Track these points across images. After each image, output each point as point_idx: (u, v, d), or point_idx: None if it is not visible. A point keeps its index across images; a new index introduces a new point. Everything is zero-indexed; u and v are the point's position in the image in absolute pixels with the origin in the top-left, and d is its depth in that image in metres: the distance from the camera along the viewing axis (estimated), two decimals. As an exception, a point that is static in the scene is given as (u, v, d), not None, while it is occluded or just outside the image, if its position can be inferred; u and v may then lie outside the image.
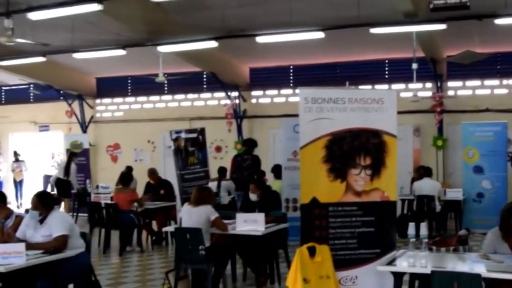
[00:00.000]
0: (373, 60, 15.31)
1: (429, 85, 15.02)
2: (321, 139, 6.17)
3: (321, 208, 6.15)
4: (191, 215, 7.15)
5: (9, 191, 18.53)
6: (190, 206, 7.28)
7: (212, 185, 12.00)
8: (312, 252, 5.76)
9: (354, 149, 6.20)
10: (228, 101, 16.63)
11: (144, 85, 17.34)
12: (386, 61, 15.41)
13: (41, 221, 6.01)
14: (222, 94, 16.76)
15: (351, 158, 6.20)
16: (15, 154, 18.63)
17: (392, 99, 6.40)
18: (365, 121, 6.24)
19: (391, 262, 5.30)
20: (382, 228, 6.25)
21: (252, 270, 7.86)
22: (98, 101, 19.06)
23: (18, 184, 18.77)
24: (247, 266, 8.05)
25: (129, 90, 18.54)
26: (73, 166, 14.88)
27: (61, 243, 5.86)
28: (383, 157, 6.24)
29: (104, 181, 16.09)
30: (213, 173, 12.66)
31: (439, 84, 14.80)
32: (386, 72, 15.51)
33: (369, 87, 14.55)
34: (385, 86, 15.11)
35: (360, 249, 6.20)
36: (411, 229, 5.35)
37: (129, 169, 13.47)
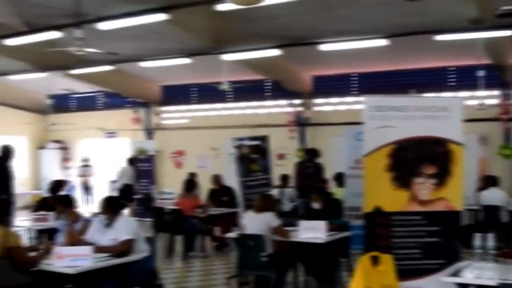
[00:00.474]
0: (438, 67, 15.05)
1: (495, 92, 14.64)
2: (385, 147, 6.13)
3: (384, 217, 6.10)
4: (253, 222, 7.19)
5: (78, 196, 19.10)
6: (253, 212, 7.33)
7: (275, 192, 12.03)
8: (375, 261, 5.71)
9: (418, 157, 6.12)
10: (291, 109, 16.66)
11: (208, 93, 17.56)
12: (451, 68, 15.12)
13: (108, 225, 6.16)
14: (285, 101, 16.81)
15: (416, 167, 6.12)
16: (84, 159, 19.08)
17: (458, 107, 6.30)
18: (430, 129, 6.15)
19: (456, 273, 5.20)
20: (447, 238, 6.14)
21: (314, 278, 7.84)
22: (163, 108, 19.41)
23: (86, 189, 19.12)
24: (309, 274, 8.03)
25: (194, 98, 18.80)
26: (131, 172, 15.22)
27: (127, 247, 5.99)
28: (449, 166, 6.14)
29: (169, 187, 16.36)
30: (276, 181, 12.70)
31: (505, 92, 14.40)
32: (451, 80, 15.21)
33: (433, 94, 14.30)
34: (449, 94, 14.81)
35: (424, 259, 6.10)
36: (477, 240, 5.24)
37: (192, 176, 13.65)
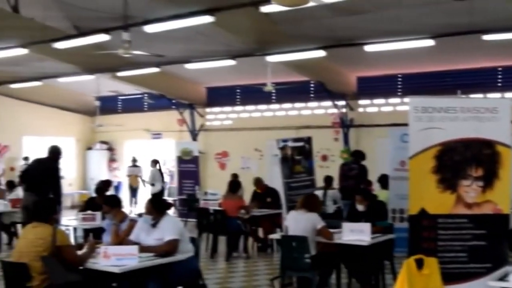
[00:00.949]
0: (485, 67, 14.75)
1: (546, 93, 14.28)
2: (431, 149, 6.06)
3: (430, 220, 6.03)
4: (297, 223, 7.19)
5: (124, 196, 19.40)
6: (296, 213, 7.32)
7: (318, 193, 11.99)
8: (419, 264, 5.64)
9: (465, 159, 6.04)
10: (335, 110, 16.59)
11: (253, 94, 17.62)
12: (499, 68, 14.80)
13: (154, 225, 6.25)
14: (329, 103, 16.74)
15: (462, 169, 6.04)
16: (133, 160, 19.30)
17: (506, 108, 6.18)
18: (477, 131, 6.06)
19: (503, 278, 5.10)
20: (494, 241, 6.03)
21: (357, 280, 7.80)
22: (208, 109, 19.55)
23: (133, 189, 19.16)
24: (352, 276, 7.99)
25: (238, 99, 18.89)
26: (156, 173, 15.94)
27: (172, 247, 6.06)
28: (497, 169, 6.03)
29: (213, 187, 16.49)
30: (319, 182, 12.66)
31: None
32: (499, 80, 14.89)
33: (481, 95, 14.04)
34: (497, 95, 14.51)
35: (470, 263, 6.01)
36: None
37: (235, 177, 13.73)
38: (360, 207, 8.38)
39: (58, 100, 20.81)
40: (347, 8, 10.15)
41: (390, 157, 10.81)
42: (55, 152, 10.09)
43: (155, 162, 17.12)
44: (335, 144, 16.73)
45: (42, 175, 9.82)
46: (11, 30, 10.96)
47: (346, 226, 7.28)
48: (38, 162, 10.50)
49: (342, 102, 16.50)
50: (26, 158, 18.84)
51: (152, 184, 16.70)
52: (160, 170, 16.89)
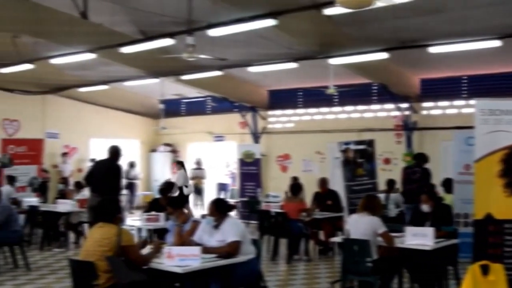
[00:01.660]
0: (555, 68, 14.28)
1: None
2: (498, 152, 5.95)
3: (496, 225, 5.92)
4: (358, 226, 7.15)
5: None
6: (357, 216, 7.28)
7: (380, 197, 11.89)
8: (485, 270, 5.54)
9: (533, 163, 5.89)
10: (398, 113, 16.38)
11: (315, 97, 17.59)
12: None
13: (216, 227, 6.33)
14: (392, 105, 16.55)
15: (530, 174, 5.89)
16: (198, 162, 19.47)
17: None
18: (545, 134, 5.90)
19: None
20: None
21: (419, 286, 7.68)
22: (270, 112, 19.63)
23: (198, 191, 19.28)
24: (414, 281, 7.88)
25: (300, 102, 18.88)
26: (183, 174, 16.82)
27: (234, 248, 6.13)
28: None
29: (274, 190, 16.55)
30: (381, 185, 12.54)
31: None
32: None
33: (551, 98, 13.60)
34: None
35: (538, 270, 5.85)
36: None
37: (295, 180, 13.74)
38: (425, 208, 8.21)
39: (123, 103, 21.32)
40: (411, 9, 10.02)
41: (455, 160, 10.61)
42: (114, 152, 10.30)
43: (181, 164, 17.43)
44: (398, 147, 16.52)
45: (104, 176, 10.07)
46: (80, 35, 11.31)
47: (409, 230, 7.19)
48: (99, 163, 10.79)
49: (405, 105, 16.28)
50: (93, 160, 19.37)
51: (185, 186, 16.97)
52: (185, 172, 17.25)
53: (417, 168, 11.46)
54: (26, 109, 19.09)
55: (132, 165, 20.05)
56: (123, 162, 10.67)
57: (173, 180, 17.07)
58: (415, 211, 8.72)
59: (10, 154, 15.76)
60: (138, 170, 21.00)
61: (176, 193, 16.31)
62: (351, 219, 7.44)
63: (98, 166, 10.67)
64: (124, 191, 17.70)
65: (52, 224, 12.26)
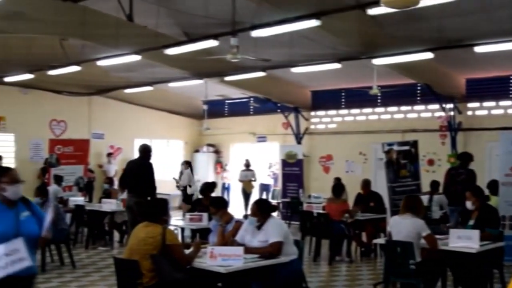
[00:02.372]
0: None
1: None
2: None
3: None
4: (401, 228, 7.07)
5: (233, 197, 19.83)
6: (399, 218, 7.21)
7: (424, 198, 11.75)
8: (531, 274, 5.44)
9: None
10: (442, 113, 16.16)
11: (358, 98, 17.51)
12: None
13: (259, 227, 6.37)
14: (436, 106, 16.33)
15: None
16: (246, 164, 19.29)
17: None
18: None
19: None
20: None
21: (464, 289, 7.59)
22: (312, 113, 19.60)
23: (247, 194, 18.98)
24: (458, 284, 7.78)
25: (343, 103, 18.80)
26: (189, 174, 17.05)
27: (276, 249, 6.16)
28: None
29: (316, 191, 16.54)
30: (425, 187, 12.40)
31: None
32: None
33: None
34: None
35: None
36: None
37: (338, 180, 13.70)
38: (468, 205, 8.02)
39: (168, 104, 21.57)
40: (457, 8, 9.88)
41: (500, 162, 10.44)
42: (145, 151, 10.32)
43: (188, 164, 17.51)
44: (442, 148, 16.29)
45: (136, 175, 10.14)
46: (126, 38, 11.49)
47: (454, 232, 7.10)
48: (131, 163, 10.86)
49: (449, 105, 16.05)
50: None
51: (189, 186, 17.09)
52: (192, 171, 17.50)
53: (462, 170, 11.28)
54: (73, 110, 19.49)
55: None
56: (154, 161, 10.67)
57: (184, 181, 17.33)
58: (464, 210, 8.53)
59: (57, 154, 16.11)
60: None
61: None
62: (393, 221, 7.37)
63: (130, 166, 10.71)
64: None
65: (97, 223, 12.50)
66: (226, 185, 20.88)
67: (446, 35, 11.45)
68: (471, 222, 7.76)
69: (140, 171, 10.12)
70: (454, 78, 15.89)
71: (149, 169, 10.18)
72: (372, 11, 9.24)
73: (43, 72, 14.86)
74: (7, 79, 16.38)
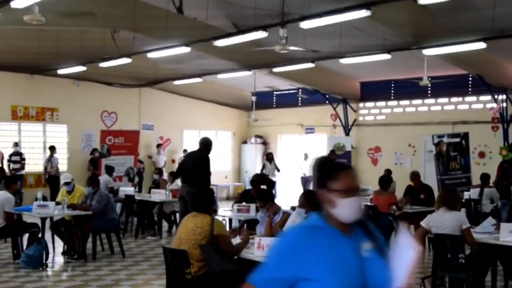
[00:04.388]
0: None
1: None
2: None
3: None
4: (442, 224, 6.94)
5: (279, 189, 19.85)
6: (437, 215, 7.06)
7: (474, 191, 11.56)
8: None
9: None
10: (494, 105, 15.82)
11: (407, 89, 17.30)
12: None
13: (306, 218, 6.37)
14: (488, 97, 16.00)
15: None
16: (305, 156, 19.42)
17: None
18: None
19: None
20: None
21: (515, 283, 7.44)
22: (361, 104, 19.45)
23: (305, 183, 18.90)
24: (508, 277, 7.63)
25: (392, 94, 18.59)
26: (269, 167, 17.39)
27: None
28: None
29: (364, 183, 16.36)
30: (475, 180, 12.18)
31: None
32: None
33: None
34: None
35: None
36: None
37: (388, 172, 13.56)
38: None
39: (216, 96, 21.71)
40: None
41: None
42: (206, 144, 10.42)
43: (271, 158, 17.49)
44: (494, 141, 15.95)
45: (194, 167, 10.26)
46: (176, 30, 11.61)
47: (504, 226, 6.97)
48: (190, 154, 11.04)
49: (502, 96, 15.70)
50: (185, 151, 19.88)
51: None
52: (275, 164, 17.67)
53: (515, 162, 11.06)
54: (123, 101, 19.81)
55: (269, 158, 18.93)
56: (213, 154, 10.79)
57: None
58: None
59: (108, 145, 16.41)
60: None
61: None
62: (429, 219, 7.14)
63: (189, 157, 10.93)
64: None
65: (146, 213, 12.70)
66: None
67: (498, 24, 11.17)
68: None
69: (198, 163, 10.24)
70: (507, 69, 15.51)
71: (207, 162, 10.29)
72: (423, 1, 9.09)
73: (94, 64, 15.14)
74: (60, 72, 16.75)
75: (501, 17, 10.84)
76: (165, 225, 13.01)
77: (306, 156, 19.19)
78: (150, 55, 13.58)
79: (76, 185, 10.25)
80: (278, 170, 18.62)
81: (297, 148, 21.11)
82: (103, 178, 13.38)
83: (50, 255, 9.65)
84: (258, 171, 17.71)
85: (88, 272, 8.99)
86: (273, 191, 17.66)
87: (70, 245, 9.94)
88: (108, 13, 11.36)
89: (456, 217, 6.90)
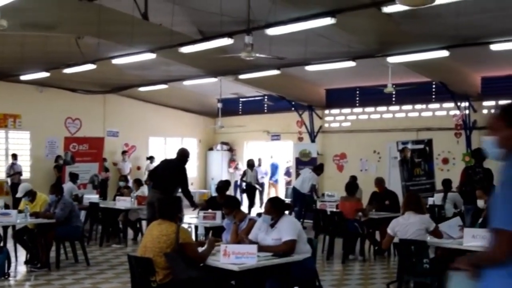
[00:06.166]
0: None
1: None
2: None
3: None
4: (407, 229, 7.06)
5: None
6: (402, 219, 7.21)
7: (438, 197, 11.70)
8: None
9: None
10: (457, 112, 16.08)
11: (372, 96, 17.46)
12: None
13: (272, 225, 6.36)
14: (451, 104, 16.25)
15: None
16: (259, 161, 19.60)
17: None
18: None
19: None
20: None
21: None
22: (327, 111, 19.57)
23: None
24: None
25: (357, 101, 18.75)
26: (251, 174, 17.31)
27: (289, 247, 6.14)
28: None
29: (330, 189, 16.49)
30: (439, 185, 12.34)
31: None
32: None
33: None
34: None
35: None
36: None
37: (353, 179, 13.66)
38: (480, 203, 8.06)
39: (182, 102, 21.62)
40: (473, 6, 9.81)
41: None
42: (184, 155, 10.59)
43: (252, 165, 17.55)
44: (457, 147, 16.21)
45: (169, 175, 10.28)
46: (141, 36, 11.53)
47: (468, 231, 7.07)
48: (167, 162, 11.07)
49: (465, 103, 15.97)
50: (150, 158, 19.75)
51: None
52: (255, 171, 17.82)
53: (479, 169, 11.20)
54: (88, 108, 19.60)
55: (250, 165, 18.33)
56: (189, 165, 10.89)
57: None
58: (475, 212, 8.56)
59: (72, 152, 16.21)
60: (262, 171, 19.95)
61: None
62: (395, 223, 7.28)
63: (164, 164, 10.94)
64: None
65: (111, 221, 12.56)
66: (239, 183, 20.87)
67: (462, 33, 11.36)
68: (481, 220, 7.76)
69: (173, 171, 10.30)
70: (469, 76, 15.79)
71: (182, 172, 10.41)
72: (388, 9, 9.20)
73: (59, 70, 14.95)
74: (23, 77, 16.50)
75: (464, 25, 11.02)
76: (130, 232, 12.89)
77: (260, 162, 19.45)
78: (115, 61, 13.46)
79: (38, 193, 10.08)
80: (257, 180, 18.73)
81: (263, 154, 21.14)
82: (67, 185, 13.20)
83: (13, 264, 9.45)
84: (224, 178, 17.69)
85: (52, 281, 8.84)
86: (256, 198, 17.90)
87: (33, 253, 9.77)
88: (73, 19, 11.22)
89: (422, 220, 7.03)
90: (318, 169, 15.53)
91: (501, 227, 2.88)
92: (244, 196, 18.32)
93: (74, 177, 13.91)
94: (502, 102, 15.52)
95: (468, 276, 3.02)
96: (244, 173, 18.00)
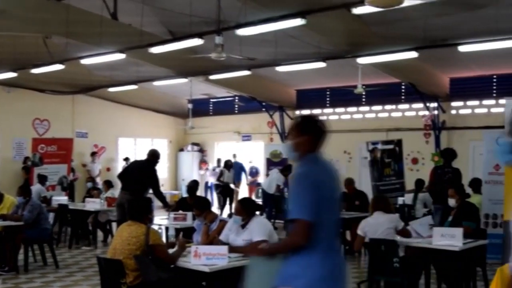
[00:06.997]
0: None
1: None
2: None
3: (525, 226, 5.83)
4: (376, 228, 7.13)
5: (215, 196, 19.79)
6: (371, 219, 7.31)
7: (408, 197, 11.81)
8: (513, 272, 5.46)
9: None
10: (426, 112, 16.25)
11: (342, 97, 17.55)
12: None
13: (243, 226, 6.35)
14: (420, 105, 16.42)
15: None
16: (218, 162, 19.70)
17: None
18: None
19: None
20: None
21: (447, 286, 7.63)
22: (297, 112, 19.57)
23: None
24: (441, 281, 7.82)
25: (328, 102, 18.83)
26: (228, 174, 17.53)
27: (260, 247, 6.14)
28: None
29: (302, 189, 16.51)
30: (409, 185, 12.45)
31: None
32: None
33: None
34: None
35: None
36: None
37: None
38: (451, 202, 8.13)
39: (152, 103, 21.49)
40: (441, 7, 9.93)
41: (484, 160, 10.50)
42: (155, 156, 10.52)
43: (230, 165, 17.57)
44: (426, 147, 16.38)
45: (138, 176, 10.21)
46: (110, 36, 11.42)
47: (437, 230, 7.14)
48: (137, 163, 11.00)
49: (434, 104, 16.15)
50: (126, 159, 19.57)
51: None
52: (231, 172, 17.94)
53: (448, 169, 11.31)
54: (56, 109, 19.34)
55: (228, 165, 18.32)
56: (159, 166, 10.82)
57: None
58: (445, 210, 8.65)
59: (40, 153, 15.99)
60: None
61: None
62: (364, 223, 7.36)
63: (134, 165, 10.87)
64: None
65: (80, 223, 12.43)
66: (209, 184, 20.83)
67: (430, 34, 11.49)
68: (450, 219, 7.88)
69: (143, 172, 10.23)
70: (438, 77, 15.98)
71: (152, 173, 10.32)
72: (357, 10, 9.26)
73: (26, 70, 14.73)
74: (-11, 78, 16.24)
75: (432, 27, 11.15)
76: (100, 234, 12.76)
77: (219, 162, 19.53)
78: (84, 61, 13.32)
79: (6, 195, 9.92)
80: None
81: (235, 155, 21.10)
82: (36, 187, 13.02)
83: (-21, 268, 9.30)
84: (194, 178, 17.63)
85: (20, 284, 8.70)
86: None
87: (1, 256, 9.60)
88: (40, 18, 11.06)
89: (391, 219, 7.11)
90: (286, 170, 15.54)
91: (296, 217, 3.52)
92: (215, 196, 18.30)
93: (42, 179, 13.73)
94: (470, 102, 15.81)
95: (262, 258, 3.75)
96: (221, 173, 17.93)
